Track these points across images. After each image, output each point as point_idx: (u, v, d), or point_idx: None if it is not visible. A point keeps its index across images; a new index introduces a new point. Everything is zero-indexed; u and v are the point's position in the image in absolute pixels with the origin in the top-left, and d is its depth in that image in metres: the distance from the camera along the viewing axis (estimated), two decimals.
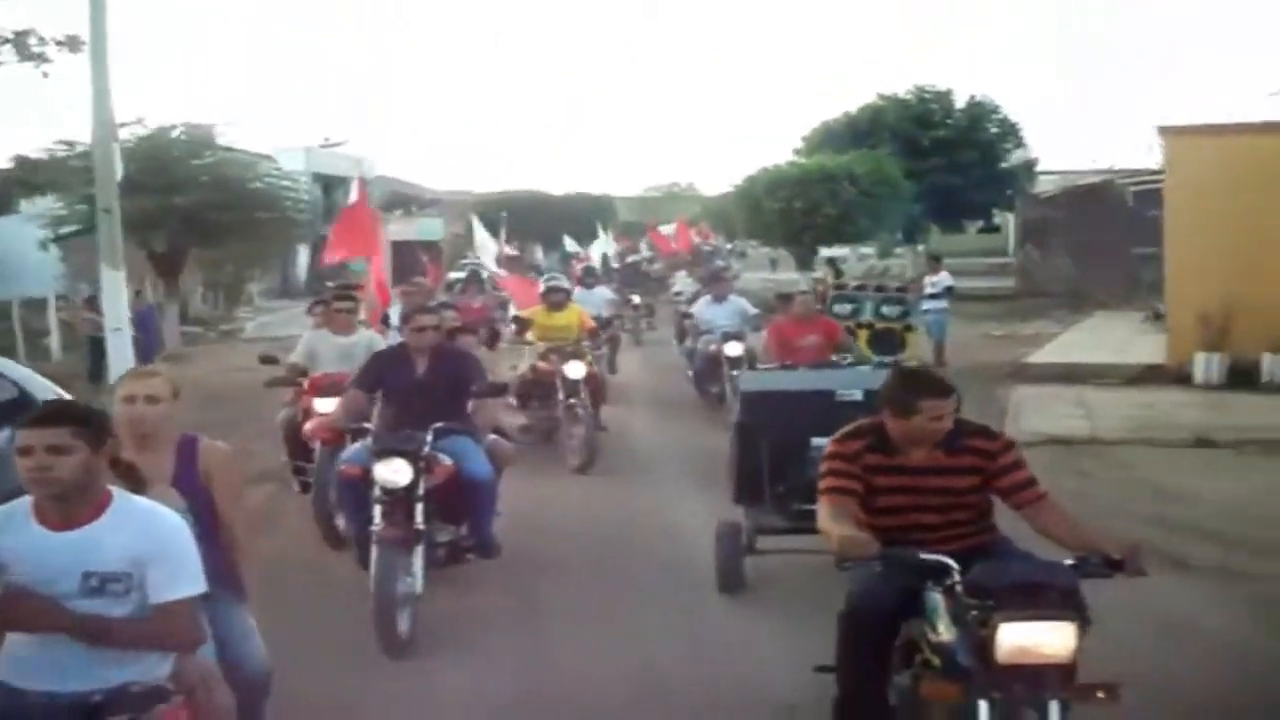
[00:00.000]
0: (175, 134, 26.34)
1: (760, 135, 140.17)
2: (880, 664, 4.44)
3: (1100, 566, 4.03)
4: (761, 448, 7.25)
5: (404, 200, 56.05)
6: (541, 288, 14.31)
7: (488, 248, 22.42)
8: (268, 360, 10.10)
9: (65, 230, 25.62)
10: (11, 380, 8.10)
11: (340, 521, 8.10)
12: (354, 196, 13.89)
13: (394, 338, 10.87)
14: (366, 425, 7.38)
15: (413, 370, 7.57)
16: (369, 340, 10.10)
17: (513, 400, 11.77)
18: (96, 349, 16.45)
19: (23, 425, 3.45)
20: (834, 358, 10.54)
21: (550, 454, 11.52)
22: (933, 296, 18.31)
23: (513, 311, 15.03)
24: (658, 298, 26.95)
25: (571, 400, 11.71)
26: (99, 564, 3.40)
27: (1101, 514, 7.96)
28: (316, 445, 9.01)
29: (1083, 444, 11.89)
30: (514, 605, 7.30)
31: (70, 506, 3.43)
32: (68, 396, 7.23)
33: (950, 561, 4.02)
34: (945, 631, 4.01)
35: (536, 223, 45.34)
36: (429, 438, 6.97)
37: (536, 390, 12.29)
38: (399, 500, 6.75)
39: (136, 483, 3.68)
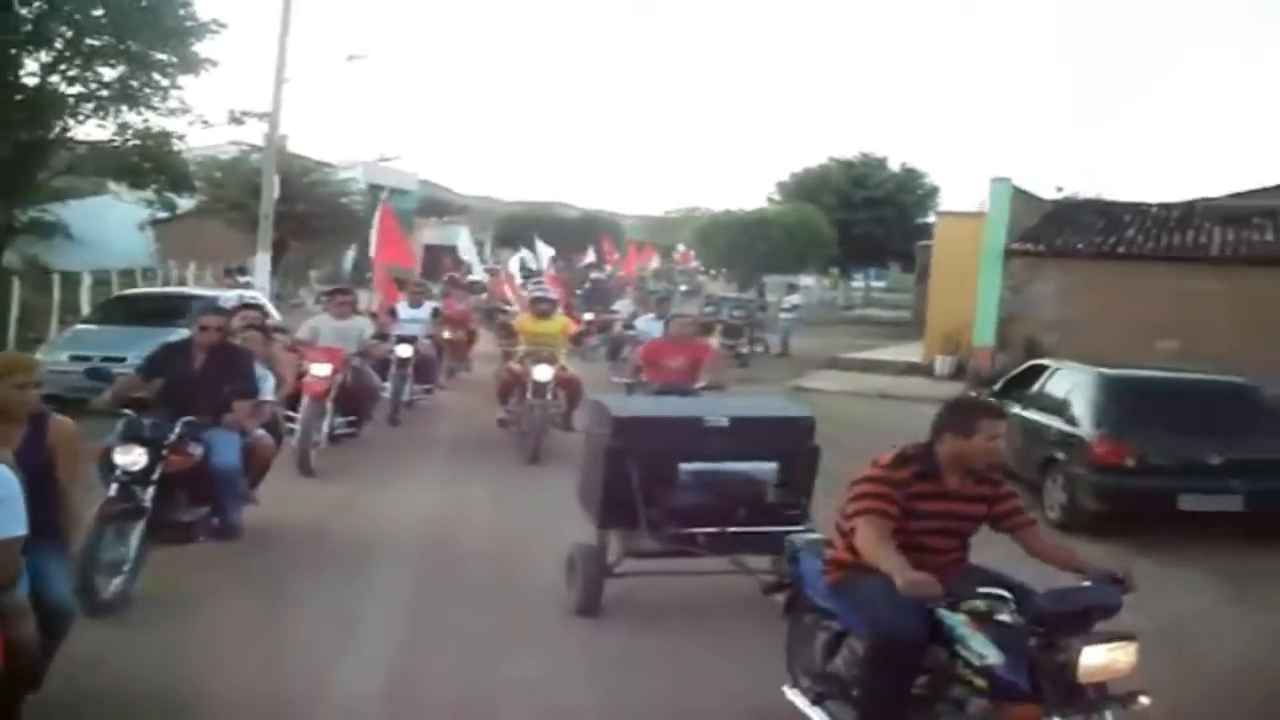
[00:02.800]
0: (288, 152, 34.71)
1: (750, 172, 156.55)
2: (906, 698, 4.58)
3: (1112, 589, 4.40)
4: (632, 472, 7.06)
5: (438, 208, 63.70)
6: (529, 297, 16.34)
7: (544, 256, 30.55)
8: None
9: (159, 217, 33.07)
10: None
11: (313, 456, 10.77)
12: (379, 217, 17.98)
13: (406, 328, 15.02)
14: (127, 411, 7.61)
15: (191, 364, 8.12)
16: (361, 325, 12.90)
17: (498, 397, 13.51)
18: None
19: None
20: (698, 382, 10.91)
21: (521, 444, 12.73)
22: (787, 310, 28.11)
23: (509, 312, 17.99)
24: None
25: (534, 400, 12.73)
26: None
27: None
28: (304, 398, 11.17)
29: (827, 394, 20.19)
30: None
31: None
32: None
33: (1007, 594, 4.32)
34: (989, 654, 4.26)
35: (549, 238, 53.88)
36: (176, 429, 7.43)
37: (514, 388, 13.33)
38: (133, 481, 7.21)
39: None
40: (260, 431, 8.64)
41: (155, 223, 37.03)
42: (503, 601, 7.54)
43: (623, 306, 23.03)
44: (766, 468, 7.22)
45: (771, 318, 28.52)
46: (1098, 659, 4.05)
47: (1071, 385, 11.57)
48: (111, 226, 35.23)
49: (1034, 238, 21.75)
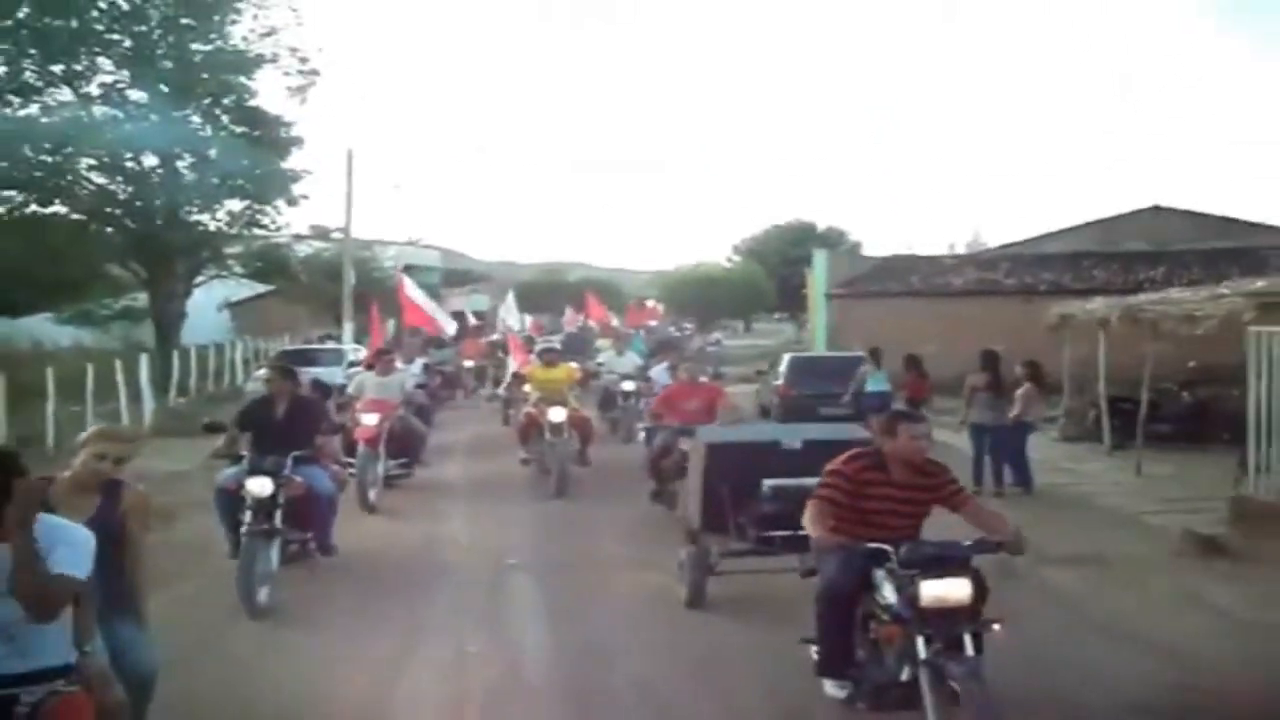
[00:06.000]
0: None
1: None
2: (849, 627, 5.89)
3: (990, 546, 5.65)
4: (723, 488, 8.44)
5: (461, 278, 73.90)
6: (537, 348, 18.65)
7: (512, 315, 39.76)
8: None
9: (234, 300, 42.85)
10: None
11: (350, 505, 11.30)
12: (399, 289, 24.12)
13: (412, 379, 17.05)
14: (242, 453, 9.21)
15: (274, 413, 9.58)
16: (401, 378, 14.84)
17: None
18: None
19: None
20: (717, 421, 11.88)
21: (544, 480, 14.16)
22: (711, 345, 39.09)
23: (512, 367, 20.42)
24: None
25: (553, 439, 14.12)
26: None
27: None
28: (360, 445, 12.91)
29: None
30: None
31: None
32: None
33: (887, 547, 5.53)
34: (889, 595, 5.53)
35: (556, 300, 63.32)
36: (289, 463, 8.97)
37: (532, 431, 14.71)
38: (263, 507, 8.75)
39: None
40: (335, 466, 10.35)
41: (231, 305, 44.97)
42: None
43: (606, 357, 23.18)
44: None
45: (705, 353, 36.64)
46: (933, 590, 5.24)
47: (784, 362, 22.93)
48: (196, 309, 38.45)
49: (848, 285, 32.86)
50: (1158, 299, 15.62)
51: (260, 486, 8.72)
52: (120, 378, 21.51)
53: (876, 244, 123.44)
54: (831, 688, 6.04)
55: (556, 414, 14.10)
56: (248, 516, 8.71)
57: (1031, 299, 26.84)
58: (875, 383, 17.69)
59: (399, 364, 16.28)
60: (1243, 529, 10.86)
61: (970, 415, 14.23)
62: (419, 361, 20.22)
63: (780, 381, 22.16)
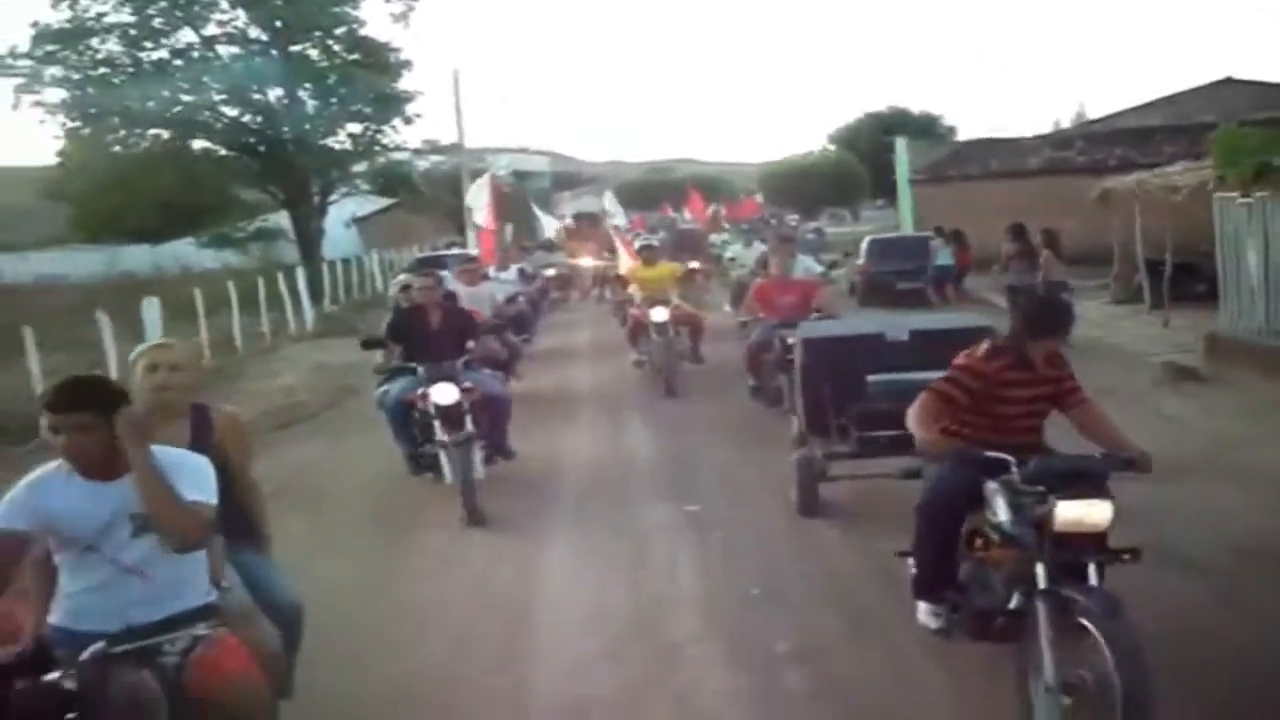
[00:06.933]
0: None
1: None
2: (951, 545, 5.28)
3: (1120, 462, 4.89)
4: (824, 387, 7.98)
5: (571, 180, 76.57)
6: (636, 246, 17.09)
7: (618, 216, 41.84)
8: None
9: (360, 215, 46.17)
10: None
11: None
12: (486, 196, 20.80)
13: (505, 287, 15.92)
14: (409, 365, 9.05)
15: (428, 323, 9.39)
16: (491, 289, 13.86)
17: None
18: None
19: (48, 407, 3.75)
20: (813, 315, 11.35)
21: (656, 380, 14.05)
22: (810, 234, 40.57)
23: (623, 266, 17.88)
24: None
25: (659, 338, 13.91)
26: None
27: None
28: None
29: None
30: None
31: (107, 463, 3.77)
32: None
33: (1009, 457, 4.82)
34: (1002, 514, 4.85)
35: (669, 197, 62.35)
36: (461, 370, 8.83)
37: (640, 332, 14.58)
38: (451, 414, 8.57)
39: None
40: (487, 370, 10.12)
41: (357, 220, 47.87)
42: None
43: (735, 249, 24.10)
44: None
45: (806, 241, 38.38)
46: (1071, 512, 4.56)
47: (864, 243, 25.58)
48: (326, 226, 39.47)
49: (929, 170, 34.90)
50: (1160, 174, 17.73)
51: (447, 394, 8.66)
52: (283, 289, 24.78)
53: (973, 127, 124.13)
54: (925, 615, 5.52)
55: (659, 313, 13.95)
56: (438, 426, 8.70)
57: (1101, 175, 28.60)
58: (943, 257, 21.17)
59: (491, 272, 16.21)
60: (1212, 359, 13.33)
61: (1006, 279, 16.99)
62: (513, 268, 19.66)
63: (861, 261, 24.77)
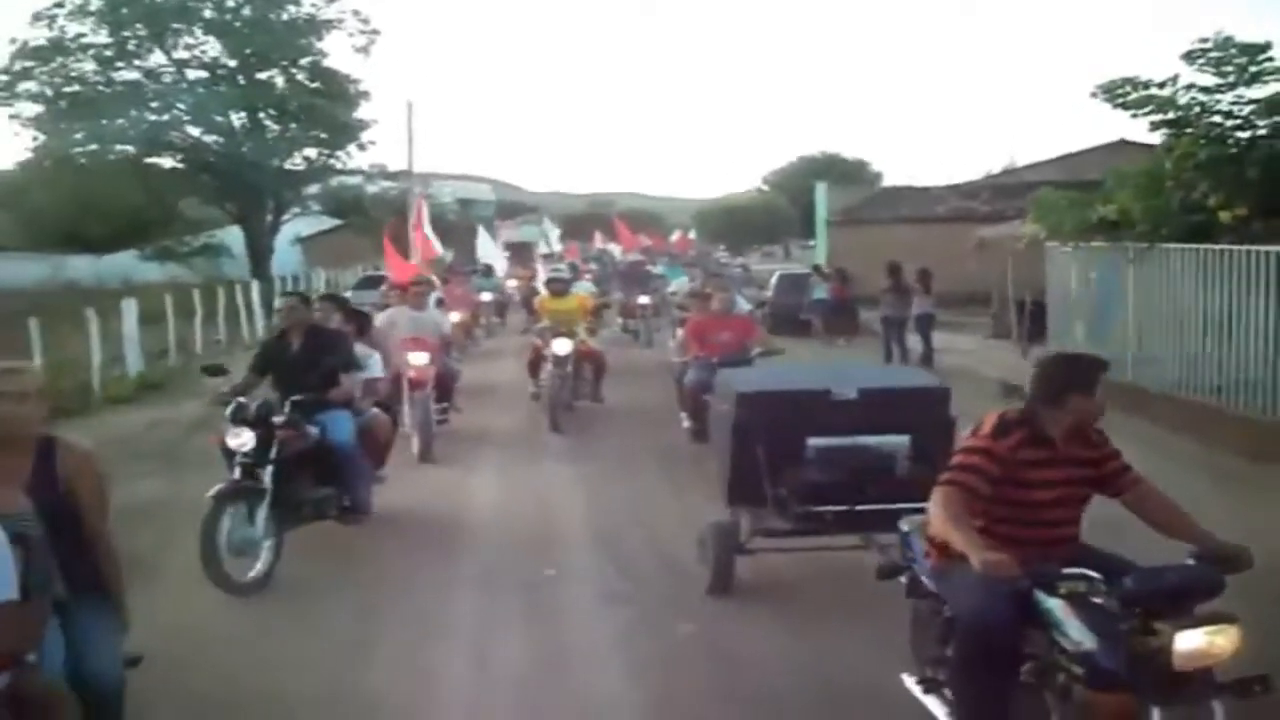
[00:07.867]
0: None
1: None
2: (1007, 688, 4.22)
3: (1228, 566, 4.00)
4: (758, 449, 6.88)
5: (513, 209, 78.74)
6: (543, 279, 18.17)
7: (549, 243, 44.23)
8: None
9: (304, 235, 47.86)
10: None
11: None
12: (413, 219, 22.35)
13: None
14: (241, 400, 7.78)
15: (289, 348, 8.35)
16: (437, 316, 13.45)
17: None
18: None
19: None
20: (751, 352, 11.28)
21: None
22: (735, 268, 43.45)
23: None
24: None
25: (556, 370, 13.24)
26: None
27: None
28: (411, 392, 11.51)
29: None
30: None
31: None
32: None
33: (1094, 574, 3.96)
34: (1084, 640, 3.92)
35: (598, 227, 68.10)
36: (285, 409, 7.69)
37: (540, 365, 13.97)
38: (252, 462, 7.42)
39: None
40: (374, 410, 9.06)
41: (301, 240, 49.38)
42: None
43: (678, 283, 25.31)
44: (898, 441, 6.84)
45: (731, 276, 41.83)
46: (1193, 643, 3.66)
47: (774, 276, 28.36)
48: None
49: (845, 213, 37.69)
50: (1009, 227, 20.64)
51: (238, 440, 7.53)
52: (240, 301, 27.05)
53: (899, 174, 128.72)
54: None
55: (561, 345, 13.28)
56: (236, 474, 7.52)
57: (998, 225, 31.42)
58: (819, 291, 25.00)
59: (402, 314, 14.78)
60: None
61: (881, 310, 20.01)
62: (433, 295, 18.10)
63: (770, 294, 27.78)
